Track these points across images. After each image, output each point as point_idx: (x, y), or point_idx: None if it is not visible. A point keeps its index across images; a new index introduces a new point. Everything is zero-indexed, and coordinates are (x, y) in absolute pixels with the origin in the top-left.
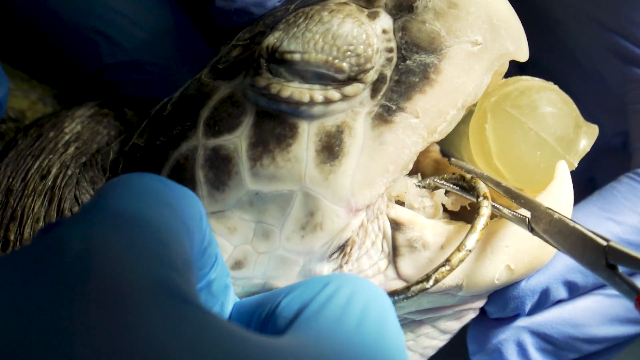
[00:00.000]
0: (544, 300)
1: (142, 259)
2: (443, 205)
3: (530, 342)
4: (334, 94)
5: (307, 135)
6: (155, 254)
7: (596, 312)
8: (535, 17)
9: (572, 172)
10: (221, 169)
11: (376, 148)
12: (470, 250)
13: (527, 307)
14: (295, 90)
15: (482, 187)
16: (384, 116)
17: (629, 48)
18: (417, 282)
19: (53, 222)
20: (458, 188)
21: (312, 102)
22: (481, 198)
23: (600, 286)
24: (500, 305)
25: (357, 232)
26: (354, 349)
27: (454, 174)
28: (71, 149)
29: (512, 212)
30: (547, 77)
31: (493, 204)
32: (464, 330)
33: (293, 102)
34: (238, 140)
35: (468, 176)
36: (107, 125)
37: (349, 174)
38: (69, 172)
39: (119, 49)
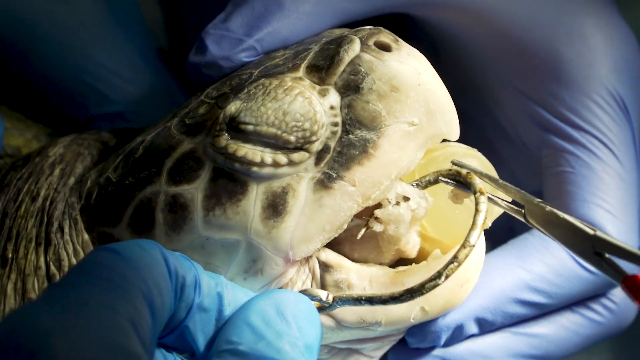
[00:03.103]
0: (458, 335)
1: (90, 332)
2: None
3: None
4: (281, 158)
5: (256, 193)
6: (103, 325)
7: (501, 347)
8: (464, 81)
9: (494, 222)
10: (178, 214)
11: (316, 209)
12: (473, 246)
13: (442, 340)
14: (249, 151)
15: (478, 182)
16: (324, 182)
17: (548, 118)
18: (431, 280)
19: (8, 315)
20: (454, 183)
21: (262, 163)
22: (478, 194)
23: (508, 325)
24: (419, 337)
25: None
26: None
27: (450, 170)
28: (57, 171)
29: (509, 205)
30: (476, 135)
31: (492, 196)
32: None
33: (246, 162)
34: (195, 191)
35: (464, 172)
36: (88, 147)
37: (289, 230)
38: (57, 196)
39: (106, 100)
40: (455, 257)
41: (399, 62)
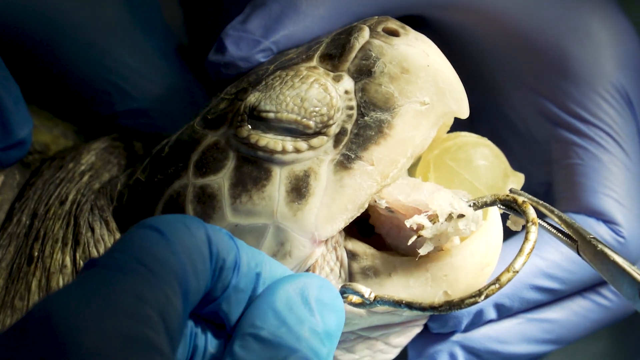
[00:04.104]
0: (478, 320)
1: (116, 321)
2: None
3: (460, 354)
4: (302, 144)
5: (279, 178)
6: (129, 315)
7: (517, 332)
8: (476, 79)
9: (504, 213)
10: (207, 204)
11: (337, 190)
12: (517, 271)
13: (463, 325)
14: (270, 140)
15: (532, 212)
16: (344, 163)
17: (557, 113)
18: (471, 297)
19: (45, 297)
20: (507, 209)
21: (284, 151)
22: (530, 223)
23: (524, 310)
24: (442, 322)
25: (317, 262)
26: None
27: (507, 196)
28: (85, 178)
29: (564, 237)
30: (487, 130)
31: (547, 226)
32: None
33: (268, 151)
34: (221, 181)
35: (520, 200)
36: (118, 156)
37: (313, 212)
38: (83, 200)
39: (129, 98)
40: (497, 279)
41: (407, 45)
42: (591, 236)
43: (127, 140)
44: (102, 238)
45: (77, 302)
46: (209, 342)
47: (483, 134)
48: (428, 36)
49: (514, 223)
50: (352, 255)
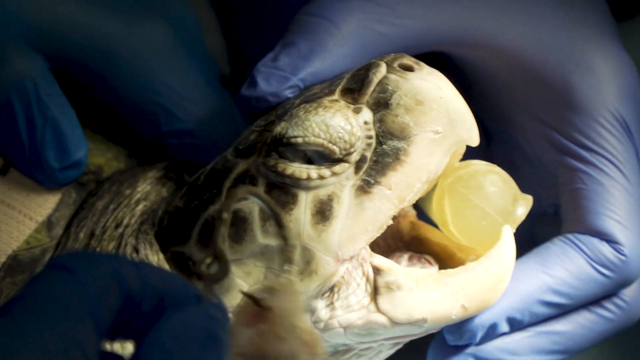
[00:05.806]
0: (491, 333)
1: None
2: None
3: None
4: (325, 172)
5: (305, 202)
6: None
7: (527, 344)
8: (490, 109)
9: (518, 230)
10: (239, 226)
11: (358, 212)
12: None
13: (478, 338)
14: (296, 169)
15: None
16: (364, 188)
17: (563, 141)
18: None
19: None
20: None
21: (308, 179)
22: None
23: (534, 324)
24: (458, 335)
25: (344, 277)
26: None
27: None
28: (140, 206)
29: None
30: (501, 156)
31: None
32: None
33: (294, 178)
34: (252, 205)
35: None
36: (169, 189)
37: (337, 233)
38: (135, 226)
39: (174, 118)
40: None
41: (421, 79)
42: None
43: (179, 173)
44: (147, 257)
45: None
46: None
47: (497, 159)
48: (444, 71)
49: None
50: (377, 271)
